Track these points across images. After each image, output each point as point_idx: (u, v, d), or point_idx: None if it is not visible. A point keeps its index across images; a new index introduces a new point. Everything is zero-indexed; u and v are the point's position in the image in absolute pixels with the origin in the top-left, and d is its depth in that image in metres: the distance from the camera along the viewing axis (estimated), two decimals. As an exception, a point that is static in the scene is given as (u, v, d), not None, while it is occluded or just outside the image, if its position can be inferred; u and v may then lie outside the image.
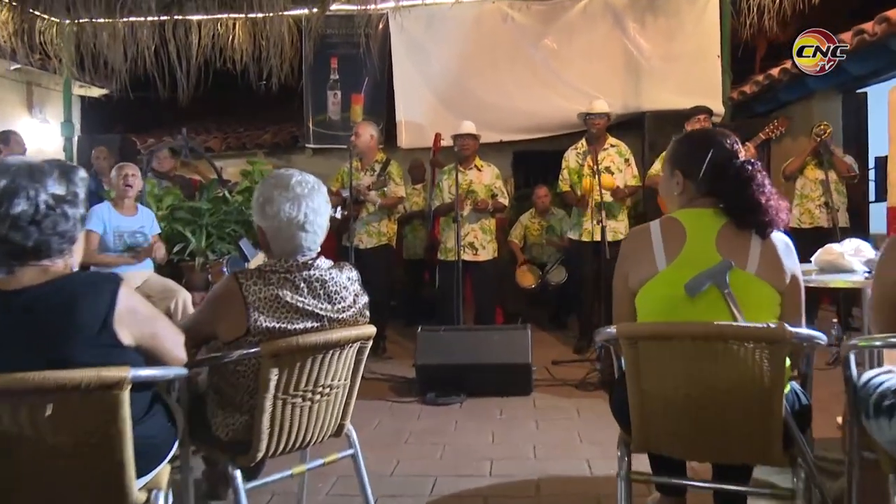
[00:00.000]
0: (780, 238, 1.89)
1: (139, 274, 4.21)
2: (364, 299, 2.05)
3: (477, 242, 5.10)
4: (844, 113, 6.27)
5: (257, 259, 4.34)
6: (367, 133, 5.19)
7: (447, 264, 5.07)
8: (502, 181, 5.30)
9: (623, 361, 1.81)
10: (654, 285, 1.83)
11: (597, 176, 4.87)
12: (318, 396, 1.96)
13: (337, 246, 5.21)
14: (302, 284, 1.91)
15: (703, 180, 1.92)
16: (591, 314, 5.25)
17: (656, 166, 5.30)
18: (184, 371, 1.76)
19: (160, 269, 4.38)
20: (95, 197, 4.71)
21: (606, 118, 5.08)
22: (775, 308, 1.84)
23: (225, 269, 4.05)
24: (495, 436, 3.38)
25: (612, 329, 1.76)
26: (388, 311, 5.47)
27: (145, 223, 4.34)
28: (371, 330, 2.04)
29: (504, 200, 5.19)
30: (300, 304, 1.89)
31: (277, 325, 1.86)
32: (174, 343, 1.75)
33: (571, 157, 5.19)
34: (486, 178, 5.15)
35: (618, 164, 5.10)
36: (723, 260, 1.79)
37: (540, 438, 3.32)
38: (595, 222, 4.89)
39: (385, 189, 5.07)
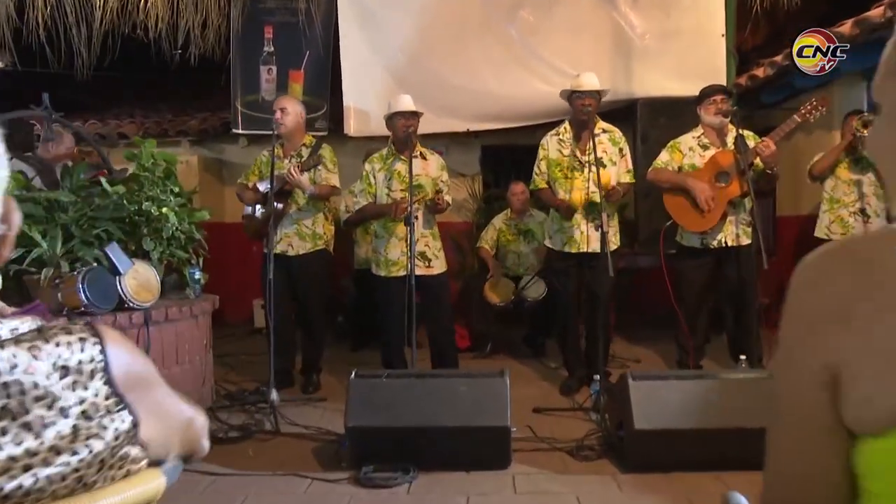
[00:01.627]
0: None
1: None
2: (120, 421, 0.90)
3: (429, 252, 4.02)
4: (870, 101, 5.36)
5: (134, 273, 3.18)
6: (296, 110, 4.09)
7: (389, 282, 3.98)
8: (457, 177, 4.22)
9: None
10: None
11: (591, 169, 3.84)
12: None
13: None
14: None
15: None
16: (576, 342, 4.20)
17: (663, 157, 4.28)
18: None
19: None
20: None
21: (598, 98, 4.03)
22: None
23: (80, 288, 2.88)
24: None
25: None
26: (323, 334, 4.35)
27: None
28: (153, 488, 0.91)
29: (449, 199, 4.07)
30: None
31: None
32: None
33: (552, 145, 4.13)
34: (433, 169, 4.08)
35: (611, 155, 4.06)
36: None
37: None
38: (590, 227, 3.86)
39: (315, 175, 3.98)
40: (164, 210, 3.46)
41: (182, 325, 3.41)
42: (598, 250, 3.93)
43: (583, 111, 3.90)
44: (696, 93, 5.27)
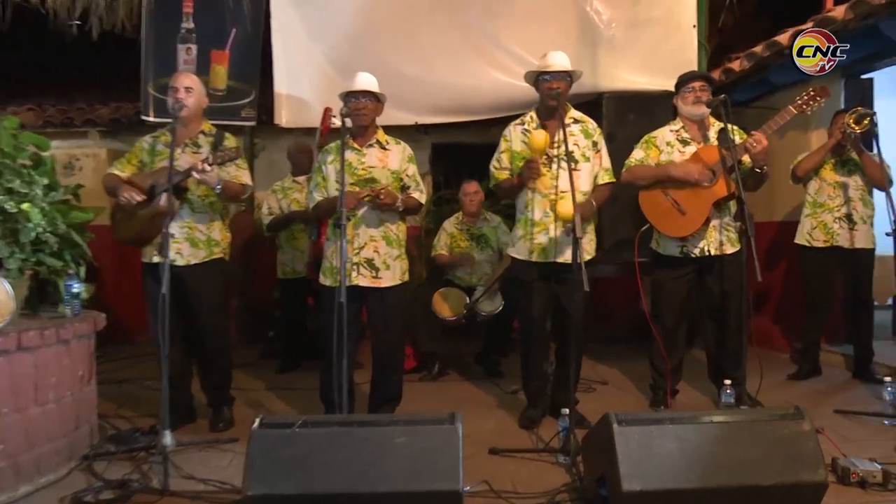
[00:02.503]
0: None
1: None
2: None
3: (378, 259, 3.34)
4: (847, 101, 4.98)
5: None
6: (201, 90, 3.40)
7: (334, 293, 3.32)
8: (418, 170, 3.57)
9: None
10: None
11: (562, 165, 3.27)
12: None
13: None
14: None
15: None
16: (540, 368, 3.60)
17: (637, 154, 3.75)
18: None
19: None
20: None
21: (569, 81, 3.45)
22: None
23: None
24: None
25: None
26: (228, 358, 3.64)
27: None
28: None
29: (420, 196, 3.48)
30: None
31: None
32: None
33: (516, 136, 3.52)
34: (394, 160, 3.42)
35: (583, 149, 3.47)
36: None
37: None
38: (561, 232, 3.28)
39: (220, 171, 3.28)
40: (25, 207, 2.71)
41: (45, 353, 2.65)
42: (570, 260, 3.37)
43: (552, 95, 3.31)
44: (666, 87, 4.82)
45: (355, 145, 3.35)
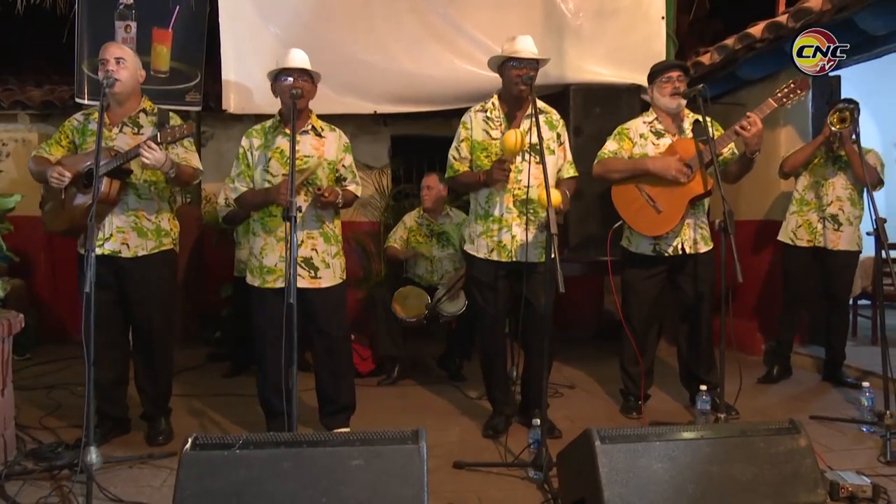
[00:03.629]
0: None
1: None
2: None
3: (317, 258, 3.05)
4: (814, 98, 4.90)
5: None
6: (135, 63, 3.05)
7: (265, 295, 3.05)
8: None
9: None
10: None
11: (528, 157, 3.06)
12: None
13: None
14: None
15: None
16: (503, 372, 3.38)
17: (610, 146, 3.56)
18: None
19: None
20: None
21: (537, 68, 3.22)
22: None
23: None
24: None
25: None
26: (170, 363, 3.32)
27: None
28: None
29: (356, 189, 3.20)
30: None
31: None
32: None
33: (476, 124, 3.27)
34: (331, 149, 3.11)
35: (548, 142, 3.22)
36: None
37: None
38: (525, 230, 3.07)
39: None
40: (-77, 192, 2.36)
41: (-55, 360, 2.32)
42: (536, 259, 3.15)
43: (524, 80, 3.07)
44: (633, 80, 4.70)
45: (286, 131, 3.02)
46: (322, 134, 3.11)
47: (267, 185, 3.01)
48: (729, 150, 3.43)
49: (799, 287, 4.15)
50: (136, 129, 3.04)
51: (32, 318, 4.27)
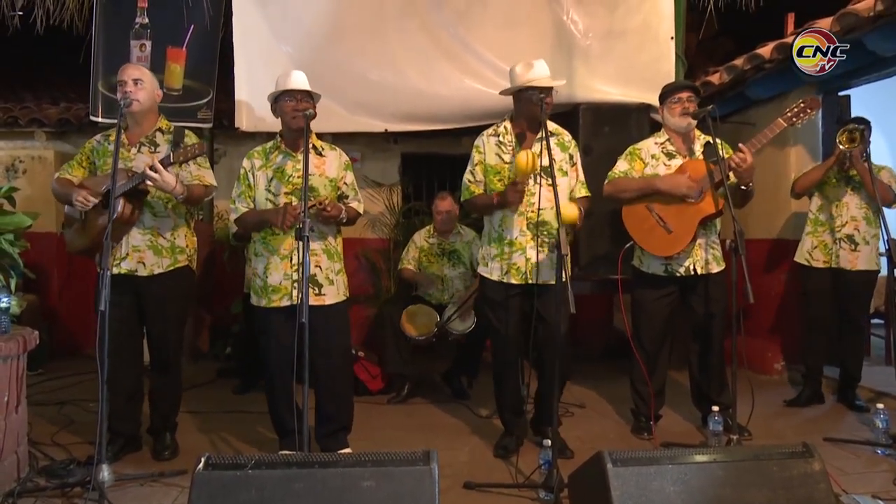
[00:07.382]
0: None
1: None
2: None
3: (321, 275, 3.07)
4: (824, 118, 4.90)
5: None
6: (153, 83, 3.10)
7: (269, 315, 3.06)
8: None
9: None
10: None
11: (539, 180, 3.08)
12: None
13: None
14: None
15: None
16: (516, 392, 3.36)
17: (621, 166, 3.57)
18: None
19: None
20: None
21: (551, 94, 3.24)
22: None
23: None
24: None
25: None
26: (179, 378, 3.33)
27: None
28: None
29: (358, 206, 3.23)
30: None
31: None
32: None
33: (489, 149, 3.29)
34: (332, 168, 3.15)
35: (560, 163, 3.26)
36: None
37: None
38: (538, 252, 3.07)
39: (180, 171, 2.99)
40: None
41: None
42: (550, 281, 3.14)
43: (535, 109, 3.08)
44: (642, 99, 4.72)
45: (290, 152, 3.07)
46: (322, 153, 3.16)
47: (270, 205, 3.04)
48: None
49: (821, 309, 4.06)
50: (153, 148, 3.09)
51: (44, 332, 4.31)
